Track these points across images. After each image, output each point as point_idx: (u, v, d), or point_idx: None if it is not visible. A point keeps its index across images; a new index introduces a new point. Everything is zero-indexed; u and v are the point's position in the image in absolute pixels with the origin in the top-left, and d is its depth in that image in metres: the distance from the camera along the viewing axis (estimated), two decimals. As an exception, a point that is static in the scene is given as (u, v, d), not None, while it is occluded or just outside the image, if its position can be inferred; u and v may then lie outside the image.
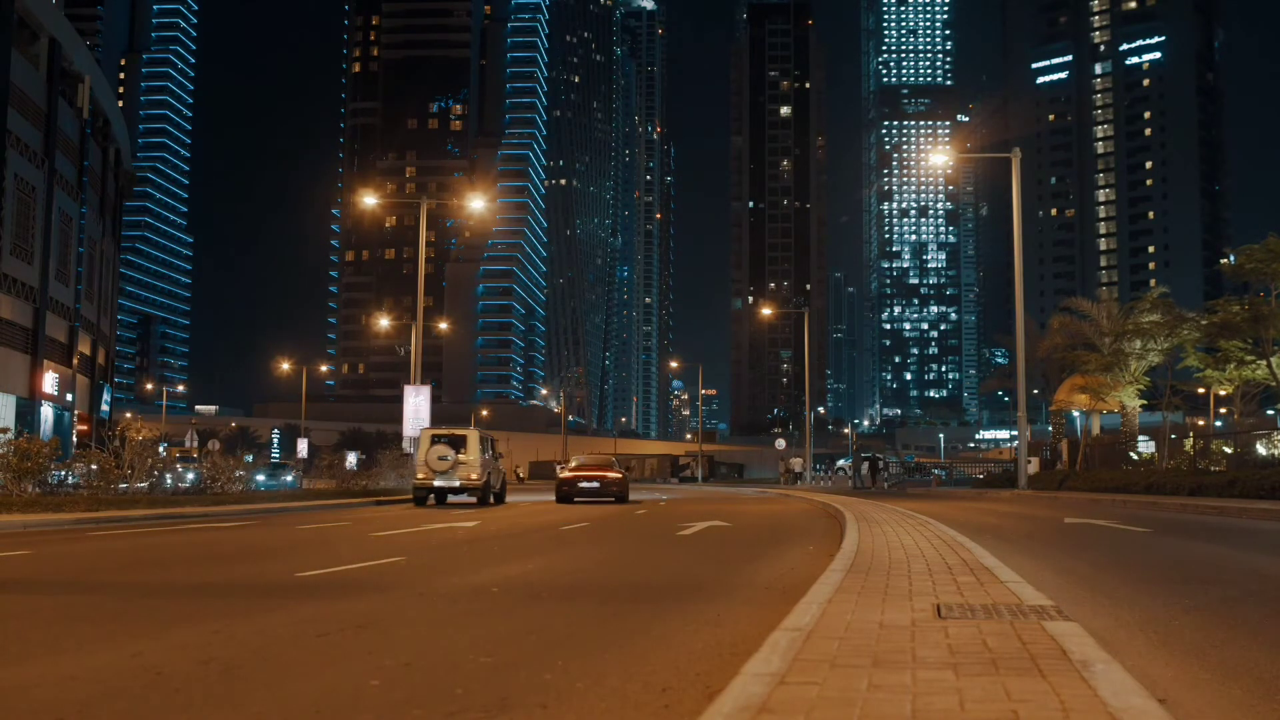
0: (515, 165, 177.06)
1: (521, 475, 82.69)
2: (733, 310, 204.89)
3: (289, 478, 42.70)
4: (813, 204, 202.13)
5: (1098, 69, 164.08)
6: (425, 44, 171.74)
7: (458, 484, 22.24)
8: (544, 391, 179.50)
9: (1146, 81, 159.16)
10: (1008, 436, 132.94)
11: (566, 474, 26.02)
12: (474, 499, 22.95)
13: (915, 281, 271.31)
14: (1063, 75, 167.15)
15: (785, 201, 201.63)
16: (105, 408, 49.69)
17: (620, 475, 25.61)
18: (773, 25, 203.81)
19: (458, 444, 22.45)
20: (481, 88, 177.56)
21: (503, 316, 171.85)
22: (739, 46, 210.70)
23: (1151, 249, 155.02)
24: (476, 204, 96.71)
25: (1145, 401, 33.88)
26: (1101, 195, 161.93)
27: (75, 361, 43.50)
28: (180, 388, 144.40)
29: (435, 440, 22.53)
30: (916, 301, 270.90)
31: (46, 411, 39.57)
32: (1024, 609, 4.40)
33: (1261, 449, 26.28)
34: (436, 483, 22.23)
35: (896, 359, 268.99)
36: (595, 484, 25.25)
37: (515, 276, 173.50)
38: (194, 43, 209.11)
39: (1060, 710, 2.63)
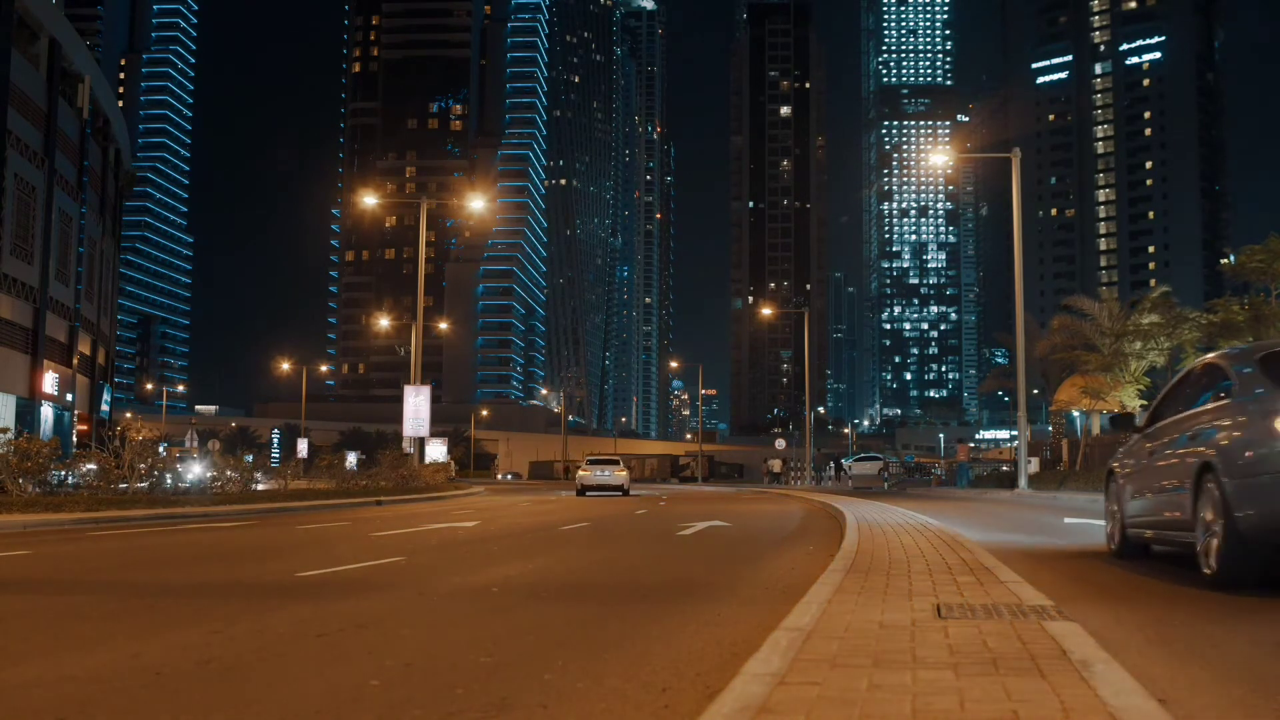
0: (515, 165, 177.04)
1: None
2: (733, 310, 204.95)
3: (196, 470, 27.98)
4: (813, 204, 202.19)
5: (1098, 69, 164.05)
6: (425, 44, 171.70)
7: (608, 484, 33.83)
8: (544, 391, 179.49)
9: (1146, 81, 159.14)
10: (1008, 436, 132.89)
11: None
12: (617, 493, 33.06)
13: (915, 281, 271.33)
14: (1063, 75, 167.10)
15: (785, 201, 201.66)
16: (105, 408, 49.67)
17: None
18: (773, 25, 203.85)
19: (610, 463, 35.99)
20: (481, 88, 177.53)
21: (503, 316, 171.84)
22: (739, 46, 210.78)
23: (1151, 249, 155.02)
24: (476, 204, 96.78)
25: (1145, 401, 33.87)
26: (1101, 195, 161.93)
27: (75, 361, 43.48)
28: (180, 388, 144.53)
29: (591, 462, 35.84)
30: (916, 301, 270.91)
31: (46, 411, 39.56)
32: (1024, 609, 4.40)
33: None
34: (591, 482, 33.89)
35: (896, 359, 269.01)
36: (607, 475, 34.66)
37: (515, 276, 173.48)
38: (194, 43, 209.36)
39: (1060, 710, 2.63)
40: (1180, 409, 7.23)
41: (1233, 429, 6.11)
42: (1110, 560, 8.18)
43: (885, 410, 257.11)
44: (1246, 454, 5.86)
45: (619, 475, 33.94)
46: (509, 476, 59.81)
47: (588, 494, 32.92)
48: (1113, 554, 8.36)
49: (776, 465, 58.55)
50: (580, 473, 35.21)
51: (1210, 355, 7.52)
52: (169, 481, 22.01)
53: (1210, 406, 6.64)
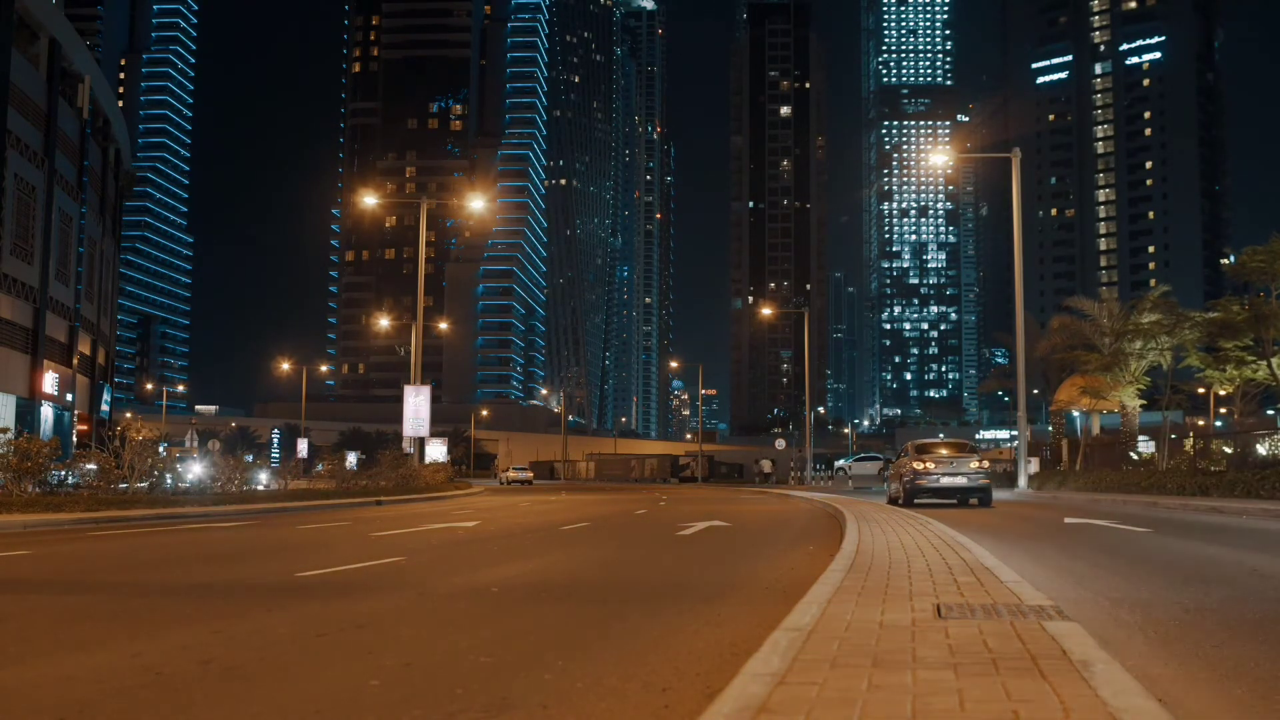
0: (515, 165, 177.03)
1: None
2: (733, 310, 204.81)
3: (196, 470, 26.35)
4: (813, 204, 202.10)
5: (1098, 69, 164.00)
6: (425, 44, 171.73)
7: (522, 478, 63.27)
8: (544, 391, 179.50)
9: (1146, 81, 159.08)
10: (1008, 436, 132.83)
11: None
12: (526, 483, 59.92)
13: (915, 281, 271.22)
14: (1063, 75, 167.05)
15: (785, 201, 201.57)
16: (105, 408, 49.67)
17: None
18: (773, 25, 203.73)
19: (523, 469, 67.28)
20: (481, 88, 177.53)
21: (503, 316, 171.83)
22: (739, 46, 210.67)
23: (1151, 249, 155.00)
24: (476, 204, 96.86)
25: (1145, 401, 33.83)
26: (1101, 195, 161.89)
27: (75, 361, 43.48)
28: (180, 388, 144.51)
29: (516, 469, 66.56)
30: (916, 301, 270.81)
31: (46, 411, 39.55)
32: (1024, 609, 4.40)
33: (1261, 449, 26.24)
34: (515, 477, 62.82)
35: (896, 359, 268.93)
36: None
37: (515, 276, 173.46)
38: (194, 43, 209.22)
39: (1060, 710, 2.63)
40: (902, 457, 21.55)
41: (905, 465, 20.25)
42: (886, 503, 19.43)
43: (885, 410, 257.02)
44: (905, 470, 19.98)
45: (528, 474, 63.66)
46: (509, 476, 63.17)
47: (509, 483, 58.75)
48: (888, 503, 19.56)
49: (767, 465, 62.36)
50: (508, 473, 63.44)
51: (908, 443, 22.14)
52: (169, 481, 22.01)
53: (903, 459, 20.88)
